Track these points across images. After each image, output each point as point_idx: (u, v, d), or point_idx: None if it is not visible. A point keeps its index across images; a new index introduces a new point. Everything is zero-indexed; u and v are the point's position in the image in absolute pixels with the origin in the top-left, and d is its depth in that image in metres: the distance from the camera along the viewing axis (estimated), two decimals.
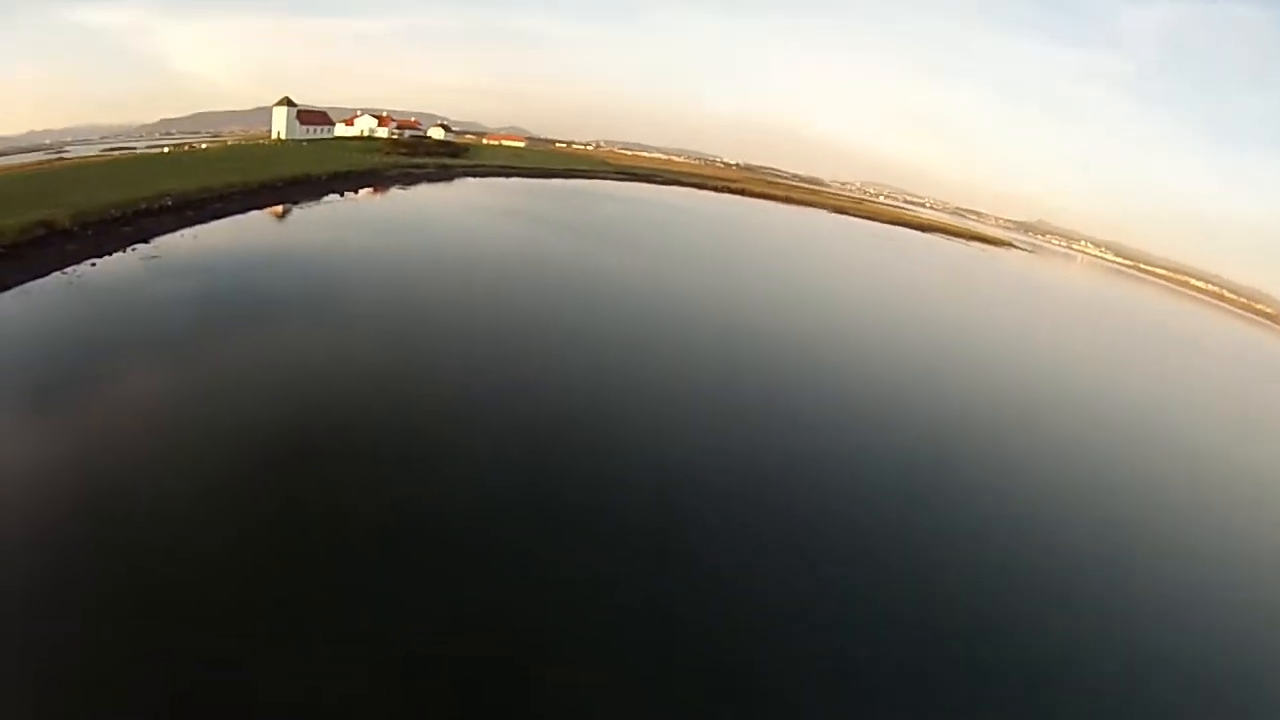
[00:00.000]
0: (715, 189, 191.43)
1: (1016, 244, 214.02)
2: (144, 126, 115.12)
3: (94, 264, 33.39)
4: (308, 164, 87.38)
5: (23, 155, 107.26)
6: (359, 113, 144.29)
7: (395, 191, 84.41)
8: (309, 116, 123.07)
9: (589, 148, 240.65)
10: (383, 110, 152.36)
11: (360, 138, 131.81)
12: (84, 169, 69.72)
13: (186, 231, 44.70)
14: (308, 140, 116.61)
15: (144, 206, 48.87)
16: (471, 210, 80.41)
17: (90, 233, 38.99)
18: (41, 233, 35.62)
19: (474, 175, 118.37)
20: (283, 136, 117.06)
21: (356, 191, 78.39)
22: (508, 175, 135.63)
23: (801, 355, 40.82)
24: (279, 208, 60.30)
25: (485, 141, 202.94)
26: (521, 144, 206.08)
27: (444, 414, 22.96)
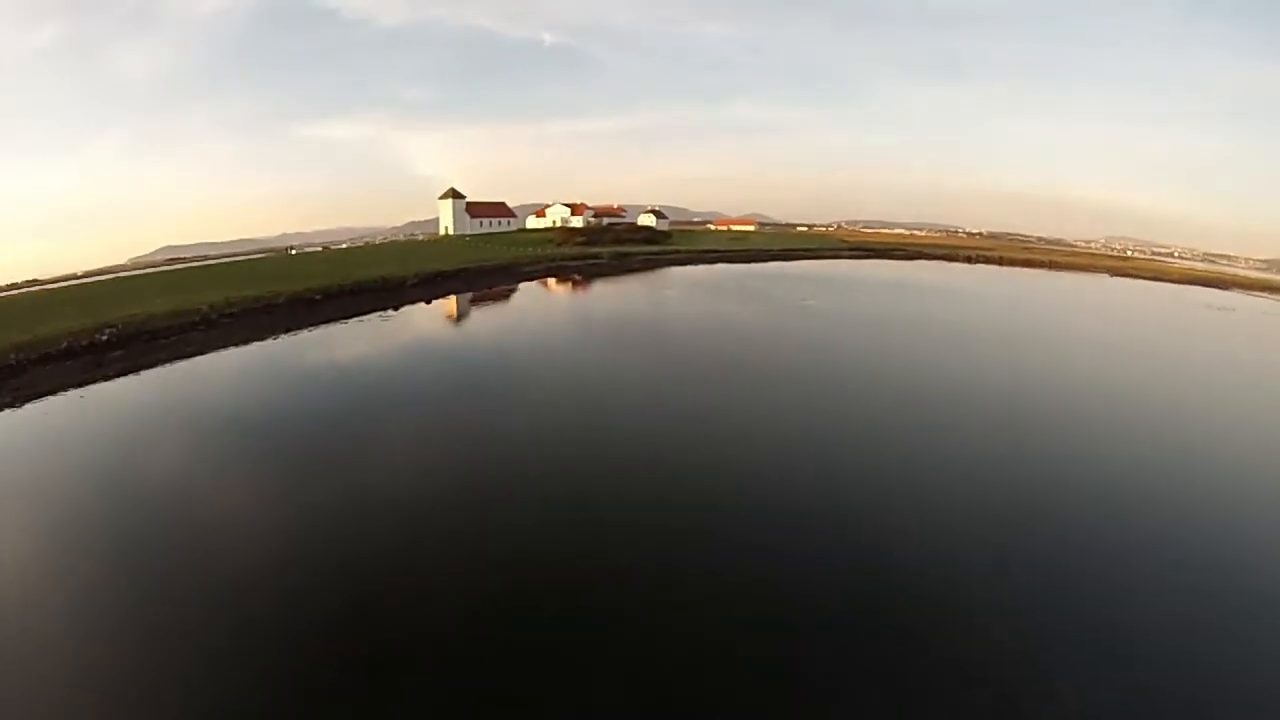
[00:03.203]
0: (968, 259, 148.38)
1: None
2: (393, 228, 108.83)
3: None
4: (422, 261, 62.51)
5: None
6: (551, 203, 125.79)
7: (508, 293, 54.55)
8: (482, 209, 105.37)
9: (828, 229, 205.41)
10: (615, 202, 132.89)
11: (545, 230, 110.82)
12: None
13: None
14: (472, 235, 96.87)
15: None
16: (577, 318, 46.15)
17: None
18: None
19: (665, 265, 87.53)
20: (450, 231, 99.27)
21: (457, 294, 50.40)
22: (712, 262, 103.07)
23: None
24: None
25: (711, 227, 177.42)
26: (751, 228, 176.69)
27: None
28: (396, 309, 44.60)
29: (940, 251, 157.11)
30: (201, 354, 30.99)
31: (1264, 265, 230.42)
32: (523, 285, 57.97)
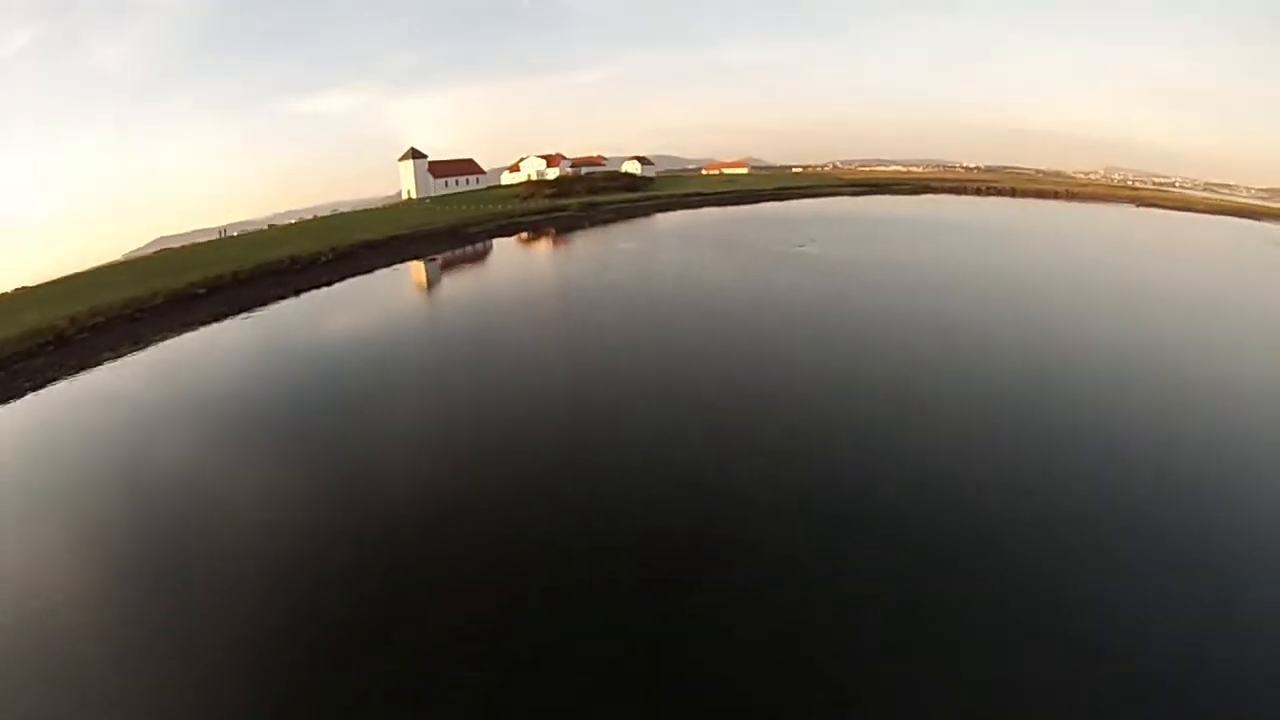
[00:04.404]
0: (977, 191, 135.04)
1: None
2: (386, 198, 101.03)
3: None
4: (351, 232, 54.73)
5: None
6: (525, 157, 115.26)
7: (424, 265, 46.81)
8: (446, 168, 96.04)
9: (824, 169, 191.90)
10: (598, 153, 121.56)
11: (514, 185, 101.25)
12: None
13: None
14: (435, 197, 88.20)
15: None
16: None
17: None
18: None
19: (642, 214, 78.77)
20: (412, 194, 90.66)
21: (373, 269, 43.02)
22: (697, 206, 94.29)
23: None
24: None
25: (704, 172, 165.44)
26: (744, 170, 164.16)
27: None
28: (297, 295, 37.11)
29: (947, 185, 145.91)
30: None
31: (1266, 194, 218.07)
32: (454, 252, 49.66)
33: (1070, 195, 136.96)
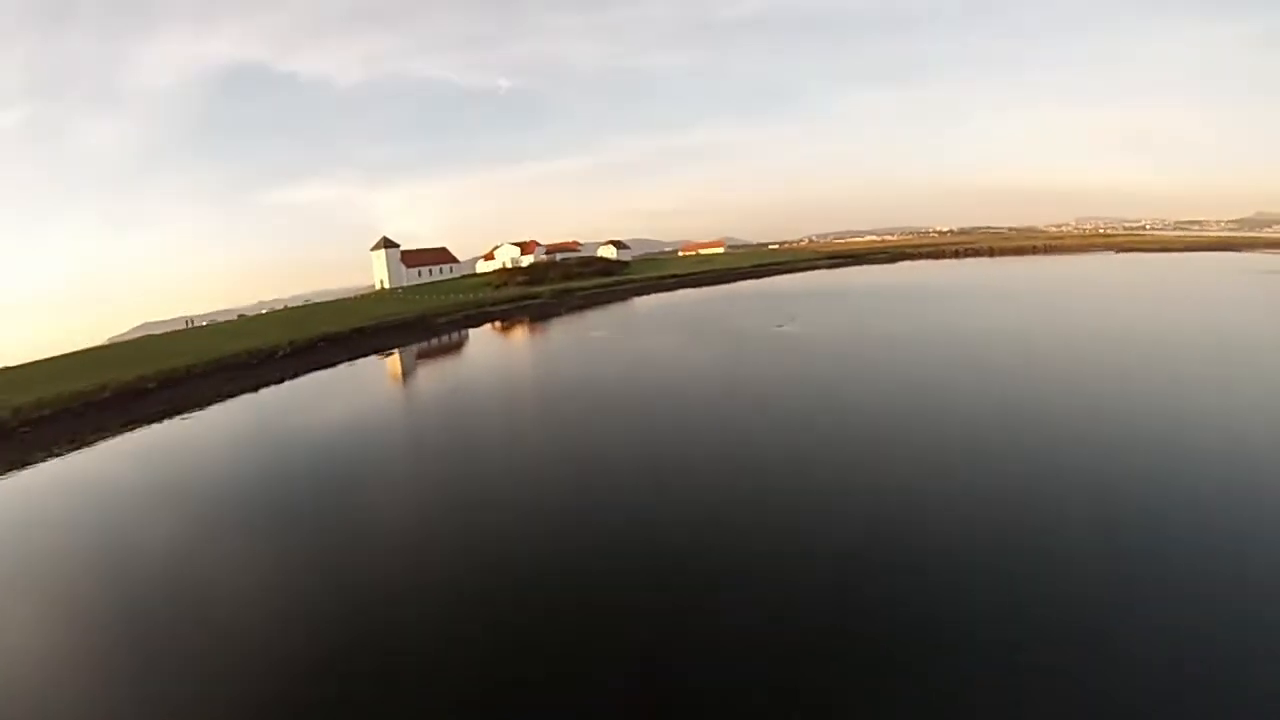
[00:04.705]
0: (955, 254, 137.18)
1: None
2: (367, 286, 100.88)
3: None
4: (317, 324, 54.17)
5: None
6: (500, 244, 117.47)
7: (384, 359, 45.98)
8: (419, 257, 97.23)
9: (800, 243, 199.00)
10: (573, 239, 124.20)
11: (488, 273, 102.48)
12: None
13: None
14: (407, 287, 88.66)
15: None
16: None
17: None
18: None
19: (617, 299, 79.56)
20: (385, 283, 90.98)
21: (333, 363, 42.16)
22: (672, 288, 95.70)
23: None
24: None
25: (680, 253, 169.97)
26: (720, 249, 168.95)
27: None
28: (255, 391, 35.64)
29: (924, 250, 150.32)
30: None
31: (1235, 225, 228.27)
32: (420, 344, 48.58)
33: (1048, 249, 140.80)
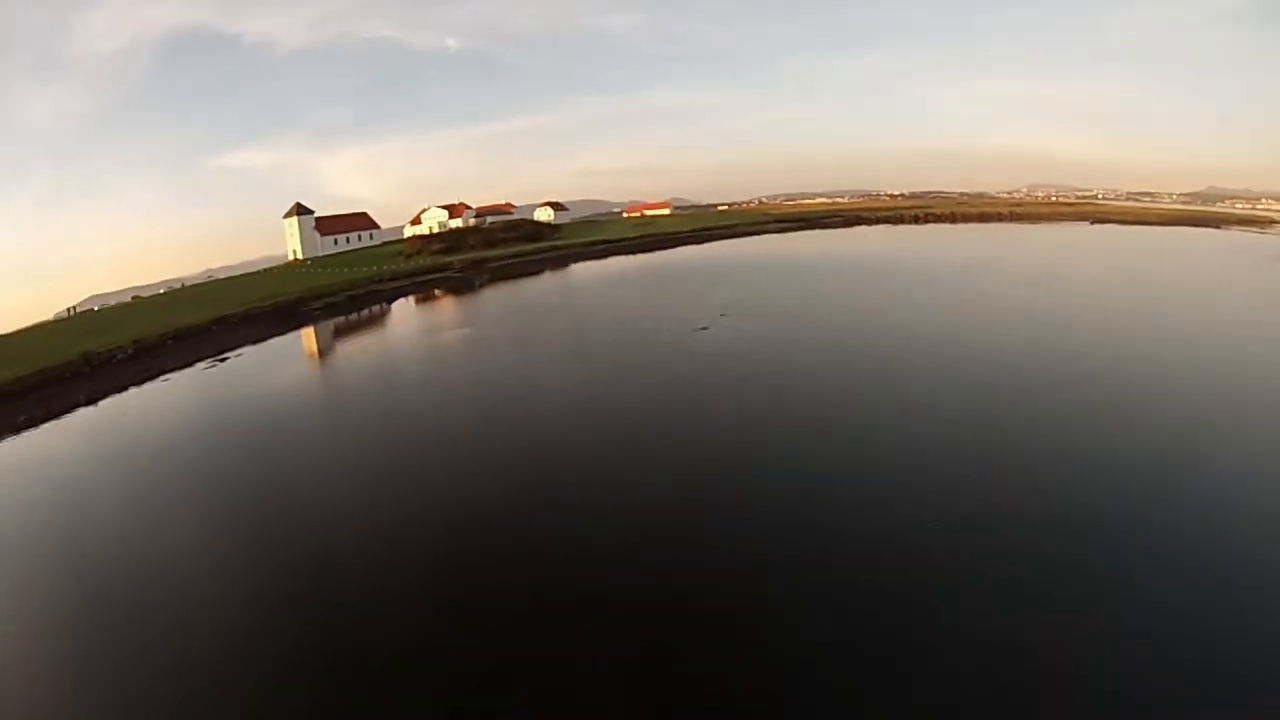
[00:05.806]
0: (915, 220, 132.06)
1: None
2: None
3: None
4: (176, 312, 52.22)
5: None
6: (427, 208, 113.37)
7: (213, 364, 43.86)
8: (334, 224, 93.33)
9: (749, 205, 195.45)
10: (505, 199, 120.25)
11: (404, 240, 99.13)
12: None
13: None
14: (317, 258, 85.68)
15: None
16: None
17: None
18: None
19: (534, 271, 77.75)
20: (299, 253, 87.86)
21: (170, 369, 40.01)
22: (603, 256, 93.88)
23: None
24: None
25: (624, 215, 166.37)
26: (665, 211, 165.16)
27: None
28: (57, 419, 33.76)
29: (880, 214, 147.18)
30: None
31: (1187, 199, 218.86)
32: (266, 342, 45.17)
33: (1013, 217, 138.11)
